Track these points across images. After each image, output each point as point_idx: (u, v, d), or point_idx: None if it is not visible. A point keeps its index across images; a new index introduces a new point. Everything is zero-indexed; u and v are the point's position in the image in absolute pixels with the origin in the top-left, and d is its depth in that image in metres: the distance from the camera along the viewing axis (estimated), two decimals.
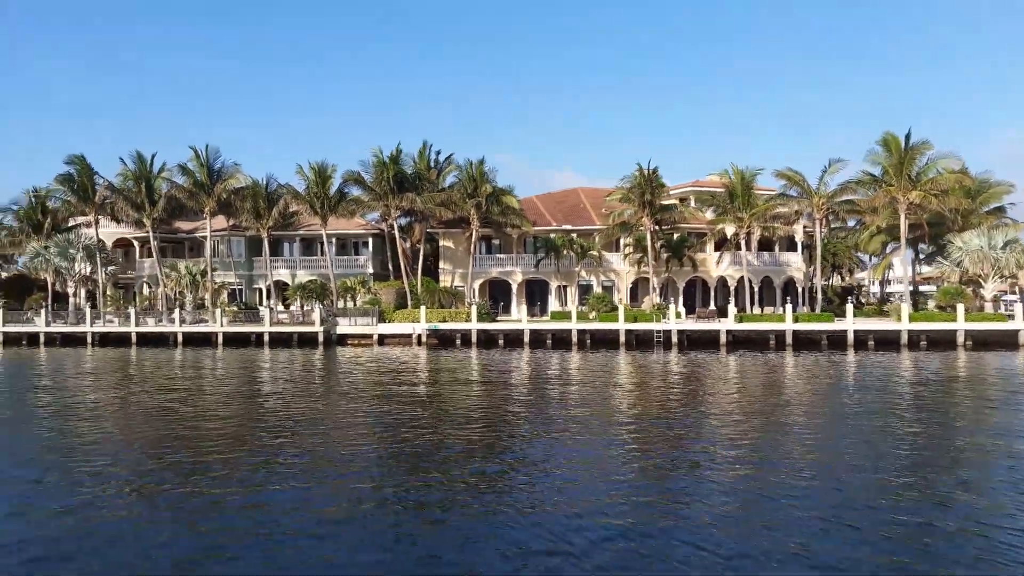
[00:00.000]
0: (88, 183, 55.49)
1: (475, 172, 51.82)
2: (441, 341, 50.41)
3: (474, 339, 49.41)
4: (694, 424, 20.97)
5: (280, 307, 58.46)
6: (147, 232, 61.38)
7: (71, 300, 57.86)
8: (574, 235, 56.82)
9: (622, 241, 56.92)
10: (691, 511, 12.78)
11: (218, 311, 52.02)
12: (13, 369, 39.00)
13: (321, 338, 50.30)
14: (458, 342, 49.89)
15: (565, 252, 55.40)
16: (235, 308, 55.54)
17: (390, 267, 59.28)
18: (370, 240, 61.54)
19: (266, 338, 51.17)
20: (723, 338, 47.72)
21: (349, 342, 51.65)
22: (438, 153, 55.35)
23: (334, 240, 62.01)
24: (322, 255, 62.33)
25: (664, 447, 18.03)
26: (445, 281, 58.46)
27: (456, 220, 56.01)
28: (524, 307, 56.51)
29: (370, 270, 60.20)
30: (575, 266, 57.21)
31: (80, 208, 56.68)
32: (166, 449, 17.85)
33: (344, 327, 51.95)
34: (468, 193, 51.68)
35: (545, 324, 50.41)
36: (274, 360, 41.50)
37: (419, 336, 50.38)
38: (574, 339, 48.15)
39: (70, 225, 60.69)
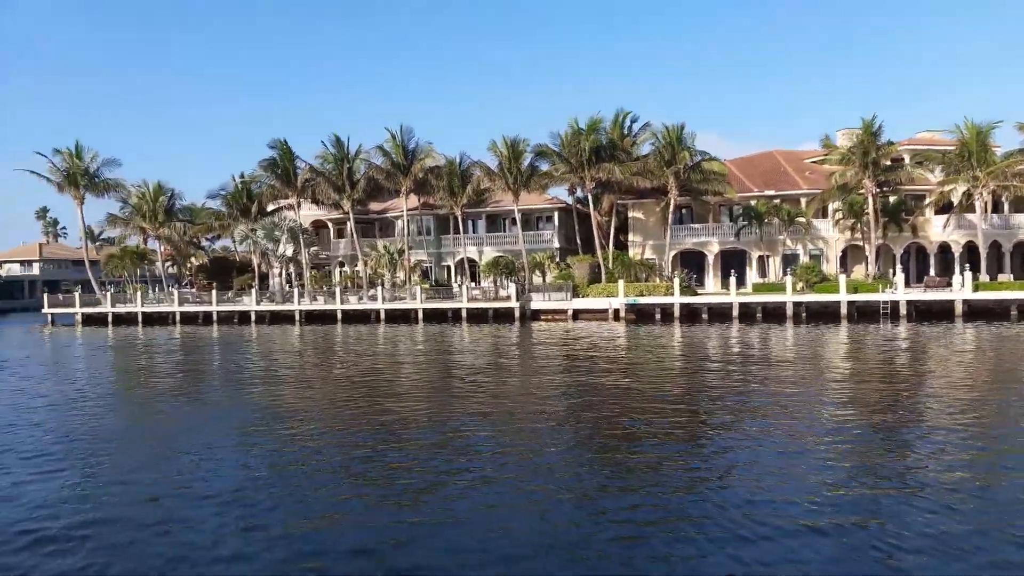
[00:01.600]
0: (290, 167, 57.73)
1: (673, 138, 49.25)
2: (639, 316, 48.59)
3: (676, 313, 47.23)
4: (947, 409, 17.77)
5: (471, 283, 58.60)
6: (343, 213, 63.44)
7: (276, 280, 60.54)
8: (777, 201, 53.16)
9: (830, 207, 52.63)
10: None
11: (417, 288, 52.70)
12: (236, 344, 40.81)
13: (517, 313, 49.86)
14: (657, 316, 47.88)
15: (768, 220, 51.89)
16: (427, 285, 56.21)
17: (578, 241, 57.96)
18: (555, 215, 60.39)
19: (463, 314, 51.31)
20: (958, 308, 43.04)
21: (543, 317, 50.92)
22: (633, 122, 53.21)
23: (519, 216, 61.46)
24: (508, 231, 62.08)
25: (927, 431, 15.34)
26: (635, 254, 56.46)
27: (648, 190, 53.83)
28: (718, 279, 53.59)
29: (556, 245, 59.15)
30: (779, 234, 53.56)
31: (283, 191, 59.11)
32: (404, 421, 17.09)
33: (538, 302, 51.22)
34: (666, 160, 49.22)
35: (755, 297, 47.38)
36: (476, 335, 41.25)
37: (615, 311, 48.82)
38: (789, 312, 44.89)
39: (271, 209, 63.52)
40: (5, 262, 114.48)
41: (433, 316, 52.33)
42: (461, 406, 19.26)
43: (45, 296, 63.95)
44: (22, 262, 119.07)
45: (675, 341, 36.15)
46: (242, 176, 61.48)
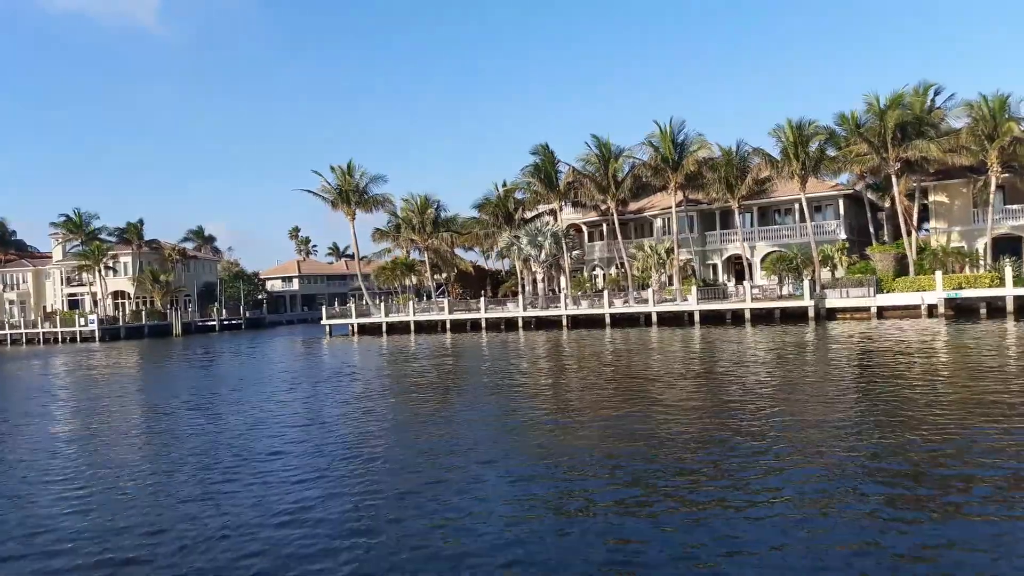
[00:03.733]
0: (552, 171, 57.19)
1: (996, 108, 42.90)
2: (958, 312, 42.80)
3: (1010, 307, 40.99)
4: None
5: (746, 281, 54.87)
6: (601, 215, 62.17)
7: (541, 286, 60.19)
8: None
9: None
10: None
11: (693, 288, 49.99)
12: (525, 349, 40.04)
13: (811, 312, 45.68)
14: (983, 312, 41.88)
15: None
16: (699, 285, 53.26)
17: (871, 230, 52.62)
18: (840, 202, 55.13)
19: (747, 315, 47.91)
20: None
21: (839, 316, 46.36)
22: (936, 94, 47.12)
23: (796, 206, 56.91)
24: (784, 223, 57.82)
25: None
26: (939, 241, 50.12)
27: (956, 169, 47.61)
28: None
29: (842, 235, 53.92)
30: None
31: (545, 196, 58.72)
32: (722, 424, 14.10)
33: (833, 300, 46.71)
34: (987, 134, 42.95)
35: None
36: (770, 338, 37.39)
37: (930, 307, 43.31)
38: None
39: (528, 216, 63.48)
40: (269, 279, 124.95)
41: (710, 318, 49.37)
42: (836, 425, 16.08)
43: (324, 308, 68.03)
44: (283, 278, 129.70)
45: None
46: (504, 184, 61.93)
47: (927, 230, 53.41)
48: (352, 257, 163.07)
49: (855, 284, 46.08)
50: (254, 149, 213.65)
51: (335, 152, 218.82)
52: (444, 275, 76.65)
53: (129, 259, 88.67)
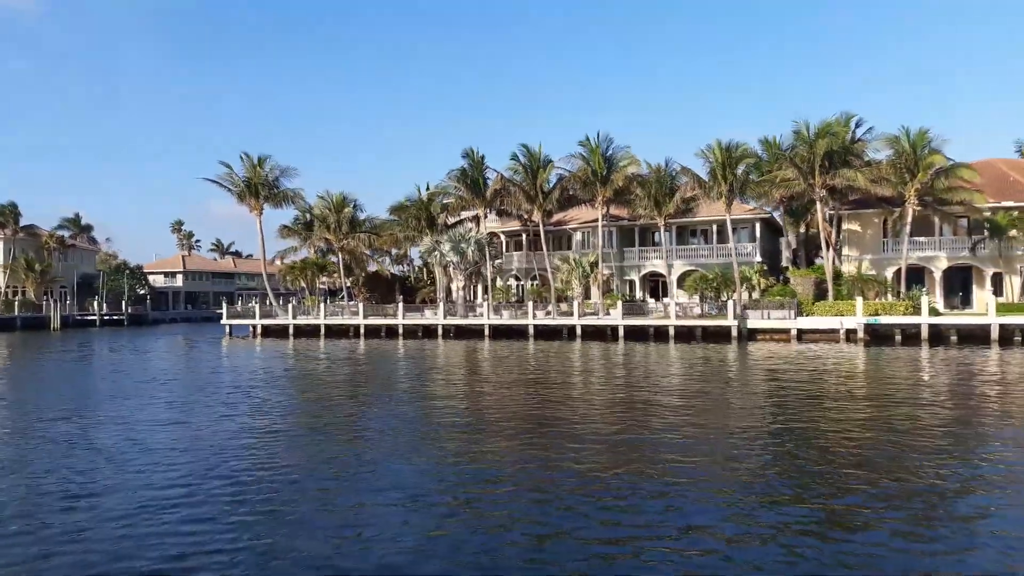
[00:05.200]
0: (480, 176, 56.05)
1: (915, 142, 44.96)
2: (874, 337, 44.44)
3: (924, 335, 42.88)
4: None
5: (670, 299, 55.44)
6: (523, 225, 61.50)
7: (460, 294, 58.79)
8: (1015, 212, 48.17)
9: None
10: None
11: (619, 303, 49.93)
12: (452, 358, 38.76)
13: (734, 332, 46.39)
14: (898, 338, 43.65)
15: (1014, 234, 46.99)
16: (621, 300, 53.34)
17: (781, 254, 54.25)
18: (757, 226, 56.62)
19: (671, 332, 48.15)
20: None
21: (760, 337, 47.22)
22: (857, 126, 49.05)
23: (713, 227, 58.15)
24: (702, 243, 58.92)
25: None
26: (849, 268, 52.20)
27: (868, 200, 49.76)
28: (942, 298, 49.09)
29: (757, 259, 55.35)
30: (1018, 249, 48.53)
31: (471, 202, 57.47)
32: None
33: (755, 320, 47.57)
34: (907, 168, 44.96)
35: (1018, 318, 42.50)
36: (696, 356, 37.67)
37: (848, 331, 44.77)
38: None
39: (451, 222, 62.08)
40: (151, 273, 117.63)
41: (633, 333, 49.36)
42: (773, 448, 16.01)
43: (224, 307, 63.99)
44: (167, 273, 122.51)
45: (948, 366, 32.03)
46: (427, 187, 60.26)
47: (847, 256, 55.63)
48: (239, 255, 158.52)
49: (777, 306, 47.13)
50: (119, 133, 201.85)
51: (232, 143, 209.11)
52: (352, 278, 74.02)
53: (0, 244, 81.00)
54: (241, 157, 61.67)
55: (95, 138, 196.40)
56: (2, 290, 79.77)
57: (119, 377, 31.31)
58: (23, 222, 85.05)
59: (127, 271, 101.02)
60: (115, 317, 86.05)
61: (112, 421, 19.13)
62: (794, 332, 46.06)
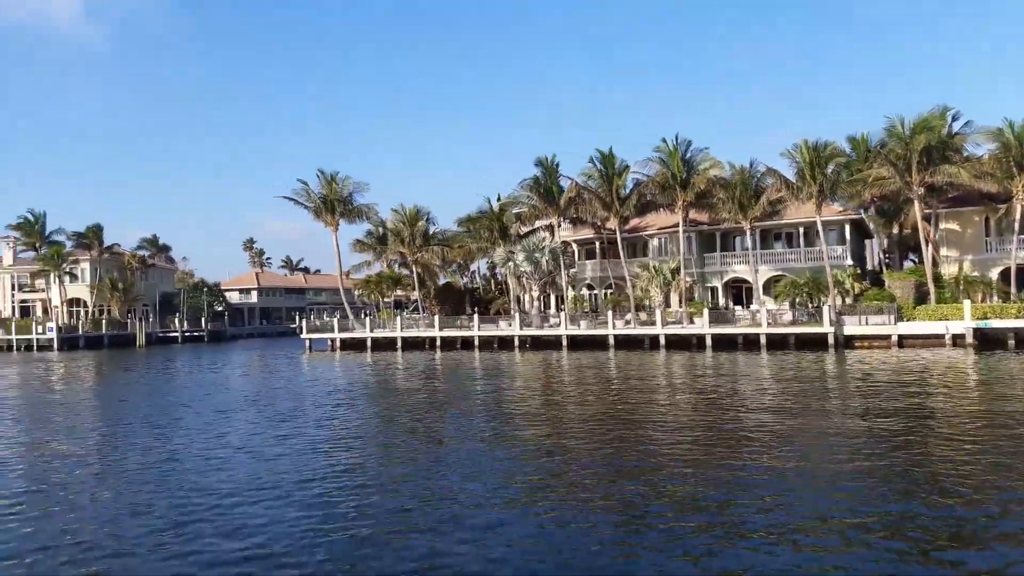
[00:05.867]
0: (553, 185, 54.97)
1: (1020, 135, 42.06)
2: (983, 342, 41.69)
3: None
4: None
5: (752, 306, 53.29)
6: (597, 233, 60.22)
7: (536, 304, 57.73)
8: None
9: None
10: None
11: (705, 311, 48.12)
12: (540, 368, 37.58)
13: (831, 340, 44.13)
14: (1011, 343, 40.83)
15: None
16: (706, 308, 51.46)
17: (868, 257, 51.61)
18: (846, 228, 53.98)
19: (762, 340, 46.12)
20: None
21: (857, 344, 44.89)
22: (954, 119, 46.29)
23: (799, 230, 55.83)
24: (790, 247, 56.56)
25: None
26: (949, 270, 49.24)
27: (967, 197, 46.98)
28: None
29: (849, 262, 52.72)
30: None
31: (543, 211, 56.45)
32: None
33: (852, 327, 45.20)
34: (1016, 162, 42.09)
35: None
36: (792, 365, 35.88)
37: (955, 336, 42.09)
38: None
39: (523, 231, 61.16)
40: (227, 290, 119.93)
41: (720, 343, 47.49)
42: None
43: (304, 322, 64.36)
44: (242, 290, 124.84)
45: None
46: (499, 198, 59.47)
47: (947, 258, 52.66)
48: (307, 271, 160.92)
49: (875, 311, 44.68)
50: (191, 157, 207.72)
51: (296, 163, 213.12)
52: (423, 290, 73.76)
53: (87, 265, 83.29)
54: (317, 174, 62.15)
55: (160, 162, 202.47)
56: (90, 310, 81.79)
57: (230, 391, 32.23)
58: (105, 243, 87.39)
59: (205, 289, 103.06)
60: (196, 333, 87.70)
61: (244, 430, 20.03)
62: (895, 338, 43.66)
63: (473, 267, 79.46)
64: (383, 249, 65.61)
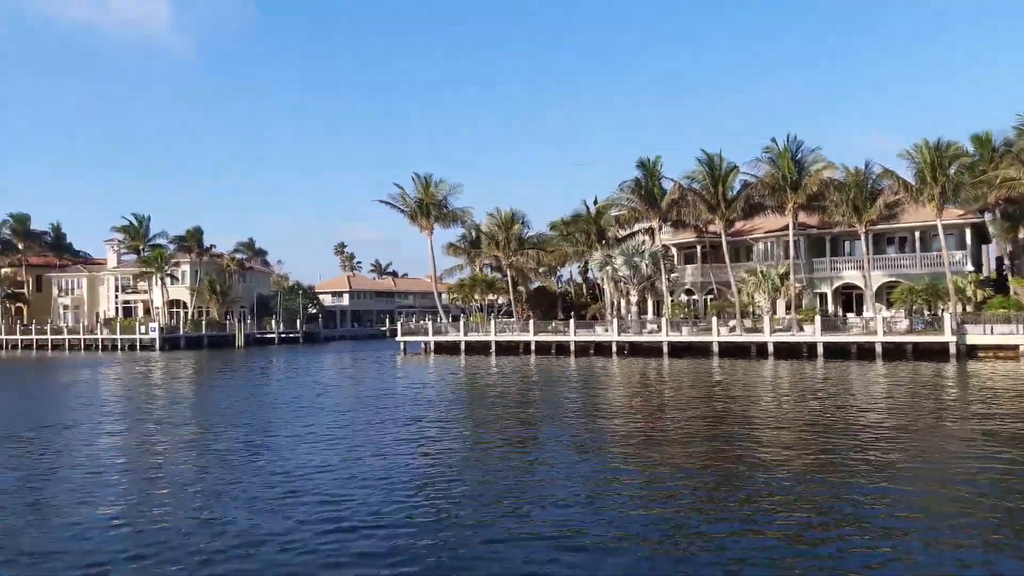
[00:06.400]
0: (655, 187, 53.80)
1: None
2: None
3: None
4: None
5: (866, 313, 50.89)
6: (697, 237, 58.71)
7: (634, 309, 56.56)
8: None
9: None
10: None
11: (817, 318, 46.15)
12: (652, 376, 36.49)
13: (952, 349, 41.65)
14: None
15: None
16: (817, 315, 49.34)
17: (1007, 263, 48.64)
18: (967, 232, 51.03)
19: (878, 349, 43.90)
20: None
21: (981, 354, 42.21)
22: None
23: (915, 234, 53.10)
24: (904, 251, 53.87)
25: None
26: None
27: None
28: None
29: (969, 267, 49.79)
30: None
31: (644, 214, 55.31)
32: None
33: (975, 336, 42.58)
34: None
35: None
36: (919, 376, 33.76)
37: None
38: None
39: (621, 235, 60.10)
40: (320, 293, 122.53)
41: (832, 351, 45.40)
42: None
43: (400, 325, 64.95)
44: (334, 293, 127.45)
45: None
46: (595, 201, 58.65)
47: None
48: (395, 274, 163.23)
49: (1002, 320, 41.97)
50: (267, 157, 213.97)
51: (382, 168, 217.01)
52: (515, 294, 73.47)
53: (188, 267, 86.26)
54: (413, 178, 62.42)
55: (249, 165, 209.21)
56: (190, 311, 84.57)
57: (338, 391, 32.91)
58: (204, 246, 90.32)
59: (300, 291, 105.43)
60: (291, 335, 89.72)
61: (357, 430, 20.11)
62: (1023, 348, 40.91)
63: (563, 271, 78.66)
64: (476, 253, 65.47)
